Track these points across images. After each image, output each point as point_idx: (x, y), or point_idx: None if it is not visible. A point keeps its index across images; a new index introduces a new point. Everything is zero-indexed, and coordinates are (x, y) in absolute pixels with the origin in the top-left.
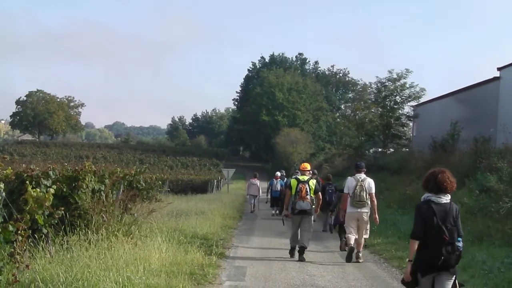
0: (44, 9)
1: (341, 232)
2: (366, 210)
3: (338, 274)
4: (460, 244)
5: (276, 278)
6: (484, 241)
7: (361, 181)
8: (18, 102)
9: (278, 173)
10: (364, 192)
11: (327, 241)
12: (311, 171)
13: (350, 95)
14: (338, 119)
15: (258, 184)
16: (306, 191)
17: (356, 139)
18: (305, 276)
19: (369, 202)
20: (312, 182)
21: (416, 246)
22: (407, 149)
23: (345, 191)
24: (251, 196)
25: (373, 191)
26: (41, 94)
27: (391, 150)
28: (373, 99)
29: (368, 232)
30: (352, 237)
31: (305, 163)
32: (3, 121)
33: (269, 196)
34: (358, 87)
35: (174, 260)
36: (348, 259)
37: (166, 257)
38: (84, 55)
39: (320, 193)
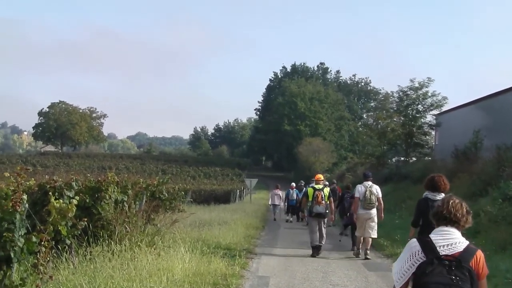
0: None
1: (353, 230)
2: (374, 212)
3: (361, 283)
4: None
5: None
6: (507, 250)
7: (369, 187)
8: (40, 114)
9: (293, 184)
10: (373, 196)
11: (347, 248)
12: (324, 181)
13: (372, 104)
14: (360, 128)
15: (281, 194)
16: (322, 197)
17: (378, 148)
18: (328, 286)
19: (377, 204)
20: (326, 190)
21: (414, 232)
22: (430, 158)
23: (356, 195)
24: (274, 205)
25: (380, 195)
26: (63, 105)
27: (414, 159)
28: (395, 108)
29: (376, 232)
30: (361, 238)
31: (318, 174)
32: (26, 133)
33: (286, 205)
34: (380, 96)
35: (197, 270)
36: (357, 254)
37: (189, 267)
38: (105, 66)
39: (332, 198)
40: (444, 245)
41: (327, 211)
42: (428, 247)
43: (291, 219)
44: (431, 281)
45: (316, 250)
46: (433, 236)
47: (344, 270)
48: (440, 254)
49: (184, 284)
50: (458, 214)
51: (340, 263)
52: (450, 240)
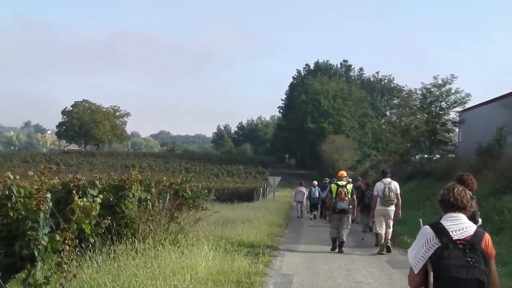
0: (85, 20)
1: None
2: (392, 208)
3: (385, 281)
4: None
5: (323, 286)
6: None
7: (388, 184)
8: (64, 112)
9: (315, 182)
10: (392, 193)
11: (371, 246)
12: (348, 178)
13: (395, 101)
14: (383, 126)
15: (305, 191)
16: (345, 194)
17: (402, 145)
18: (352, 283)
19: (395, 201)
20: (349, 186)
21: None
22: (453, 155)
23: (375, 193)
24: (298, 202)
25: (399, 191)
26: (86, 104)
27: (437, 156)
28: (418, 105)
29: (392, 227)
30: (381, 234)
31: (342, 171)
32: (49, 131)
33: (308, 202)
34: (403, 93)
35: (220, 268)
36: (381, 251)
37: (213, 265)
38: (129, 66)
39: (355, 195)
40: (455, 230)
41: (350, 207)
42: (441, 232)
43: (312, 216)
44: (450, 263)
45: (336, 243)
46: (444, 222)
47: (367, 267)
48: (454, 238)
49: (208, 282)
50: (464, 200)
51: (364, 260)
52: (460, 225)
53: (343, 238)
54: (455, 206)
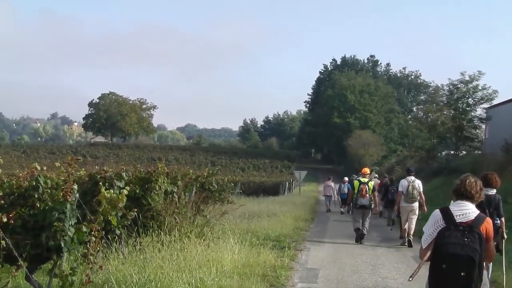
0: (113, 14)
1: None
2: (416, 205)
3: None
4: (498, 221)
5: (349, 281)
6: None
7: (412, 182)
8: (91, 105)
9: (346, 178)
10: (415, 191)
11: (396, 241)
12: (371, 175)
13: (422, 97)
14: (410, 122)
15: (333, 185)
16: (366, 190)
17: (428, 141)
18: (378, 278)
19: (418, 198)
20: (371, 183)
21: None
22: (480, 152)
23: (399, 189)
24: (326, 197)
25: (421, 189)
26: (113, 97)
27: (463, 152)
28: (445, 101)
29: (414, 222)
30: (406, 228)
31: (365, 168)
32: (76, 123)
33: (339, 198)
34: (430, 89)
35: (246, 262)
36: (403, 243)
37: (239, 258)
38: (156, 59)
39: (376, 192)
40: (459, 215)
41: (371, 203)
42: (447, 215)
43: (343, 209)
44: (449, 242)
45: (359, 235)
46: (452, 207)
47: (393, 263)
48: (456, 221)
49: (234, 275)
50: (472, 191)
51: (389, 256)
52: (464, 210)
53: (364, 230)
54: (464, 195)
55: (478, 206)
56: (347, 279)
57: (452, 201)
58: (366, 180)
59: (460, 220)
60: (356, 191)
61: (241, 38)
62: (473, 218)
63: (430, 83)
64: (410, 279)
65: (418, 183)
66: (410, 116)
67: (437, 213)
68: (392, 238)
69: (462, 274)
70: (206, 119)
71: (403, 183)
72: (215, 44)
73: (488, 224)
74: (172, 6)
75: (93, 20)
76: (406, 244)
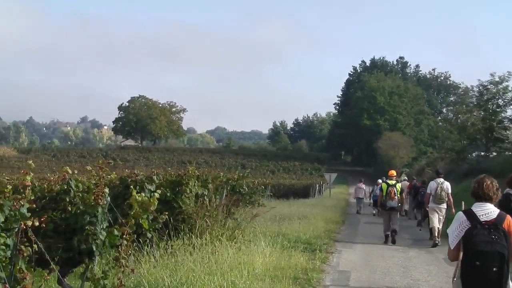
0: (143, 15)
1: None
2: (444, 206)
3: (442, 278)
4: None
5: (380, 283)
6: None
7: (441, 184)
8: (120, 108)
9: (379, 180)
10: (443, 192)
11: (428, 244)
12: (398, 177)
13: (451, 98)
14: (439, 123)
15: (364, 188)
16: (394, 193)
17: (458, 143)
18: (409, 280)
19: (446, 200)
20: (398, 185)
21: None
22: (510, 153)
23: (428, 191)
24: (358, 199)
25: (450, 191)
26: (143, 100)
27: (494, 154)
28: (475, 103)
29: (441, 223)
30: (435, 227)
31: (392, 170)
32: (106, 127)
33: (370, 200)
34: (460, 90)
35: (278, 264)
36: (433, 245)
37: (270, 261)
38: (185, 62)
39: (404, 193)
40: (482, 214)
41: (399, 205)
42: (471, 216)
43: (374, 211)
44: (477, 240)
45: (392, 236)
46: (474, 208)
47: (424, 265)
48: (481, 220)
49: (265, 278)
50: (490, 193)
51: (421, 258)
52: (486, 210)
53: (395, 227)
54: (483, 197)
55: (502, 207)
56: (378, 281)
57: (463, 202)
58: (393, 182)
59: (484, 219)
60: (384, 194)
61: (271, 39)
62: (496, 216)
63: (460, 84)
64: (455, 279)
65: (447, 185)
66: (440, 118)
67: (460, 215)
68: (422, 240)
69: (494, 269)
70: (235, 121)
71: (432, 185)
72: (245, 45)
73: (509, 221)
74: (201, 7)
75: (123, 23)
76: (434, 244)
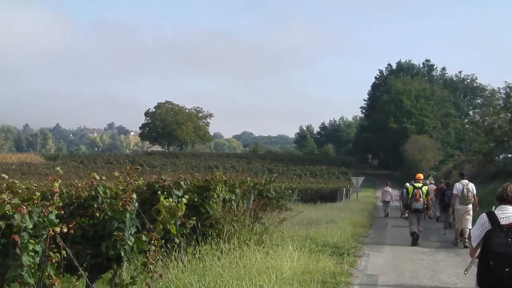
0: (168, 22)
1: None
2: (470, 207)
3: (471, 281)
4: None
5: (408, 286)
6: None
7: (466, 185)
8: (147, 114)
9: (408, 184)
10: (470, 193)
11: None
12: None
13: (478, 101)
14: (466, 126)
15: (391, 191)
16: (420, 195)
17: (485, 145)
18: (438, 284)
19: (472, 200)
20: (424, 188)
21: None
22: None
23: (454, 192)
24: (385, 202)
25: (475, 192)
26: (169, 106)
27: None
28: (502, 105)
29: (471, 224)
30: (466, 229)
31: (418, 174)
32: (132, 133)
33: (400, 203)
34: (487, 92)
35: (306, 268)
36: (455, 244)
37: (298, 265)
38: (211, 66)
39: (430, 196)
40: (503, 217)
41: (425, 207)
42: (492, 218)
43: (406, 214)
44: (494, 242)
45: (415, 238)
46: (496, 211)
47: (453, 268)
48: (501, 223)
49: (293, 283)
50: None
51: (449, 261)
52: (507, 213)
53: (420, 229)
54: (506, 200)
55: None
56: (407, 285)
57: (494, 206)
58: (419, 185)
59: (504, 223)
60: (410, 196)
61: (297, 44)
62: None
63: (486, 86)
64: (465, 272)
65: (472, 186)
66: (466, 120)
67: (483, 216)
68: (450, 242)
69: (507, 270)
70: (262, 126)
71: (458, 186)
72: (270, 50)
73: None
74: (225, 13)
75: (148, 29)
76: (459, 245)
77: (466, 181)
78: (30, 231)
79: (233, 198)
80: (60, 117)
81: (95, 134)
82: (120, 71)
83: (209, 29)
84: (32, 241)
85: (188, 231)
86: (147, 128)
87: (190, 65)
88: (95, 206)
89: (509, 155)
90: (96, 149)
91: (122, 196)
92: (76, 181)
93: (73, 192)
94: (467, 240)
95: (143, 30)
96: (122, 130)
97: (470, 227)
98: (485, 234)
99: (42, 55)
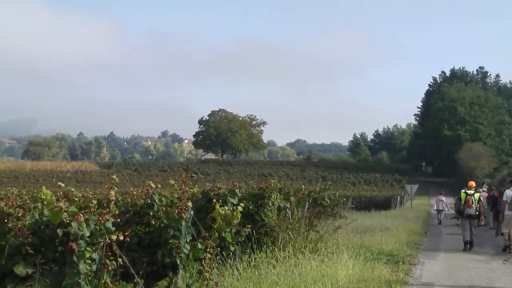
0: (221, 32)
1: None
2: None
3: None
4: None
5: None
6: None
7: None
8: (201, 122)
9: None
10: None
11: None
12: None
13: None
14: None
15: (445, 200)
16: (472, 201)
17: None
18: None
19: None
20: (477, 195)
21: None
22: None
23: (504, 199)
24: (439, 211)
25: None
26: (223, 113)
27: None
28: None
29: None
30: (507, 232)
31: (471, 181)
32: (186, 141)
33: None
34: None
35: (361, 276)
36: (504, 249)
37: (353, 273)
38: (264, 75)
39: (482, 202)
40: None
41: (477, 213)
42: None
43: (458, 222)
44: None
45: (468, 245)
46: None
47: (509, 276)
48: None
49: None
50: None
51: (505, 269)
52: None
53: (472, 237)
54: None
55: None
56: None
57: None
58: (472, 192)
59: None
60: (463, 202)
61: (350, 50)
62: None
63: None
64: (505, 261)
65: None
66: None
67: None
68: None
69: None
70: (315, 134)
71: (508, 193)
72: (323, 58)
73: None
74: (278, 22)
75: (200, 39)
76: (508, 251)
77: None
78: (87, 239)
79: (288, 206)
80: (114, 126)
81: (149, 142)
82: (172, 80)
83: (261, 39)
84: (89, 249)
85: (243, 239)
86: (201, 136)
87: (244, 74)
88: (151, 214)
89: None
90: (150, 157)
91: (177, 204)
92: (131, 189)
93: (128, 200)
94: None
95: (195, 41)
96: (176, 138)
97: None
98: None
99: (97, 66)
